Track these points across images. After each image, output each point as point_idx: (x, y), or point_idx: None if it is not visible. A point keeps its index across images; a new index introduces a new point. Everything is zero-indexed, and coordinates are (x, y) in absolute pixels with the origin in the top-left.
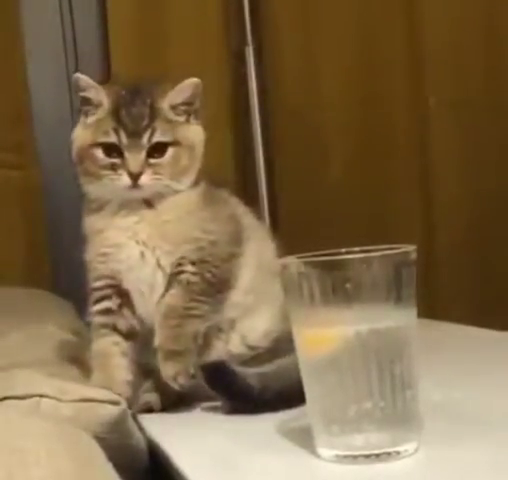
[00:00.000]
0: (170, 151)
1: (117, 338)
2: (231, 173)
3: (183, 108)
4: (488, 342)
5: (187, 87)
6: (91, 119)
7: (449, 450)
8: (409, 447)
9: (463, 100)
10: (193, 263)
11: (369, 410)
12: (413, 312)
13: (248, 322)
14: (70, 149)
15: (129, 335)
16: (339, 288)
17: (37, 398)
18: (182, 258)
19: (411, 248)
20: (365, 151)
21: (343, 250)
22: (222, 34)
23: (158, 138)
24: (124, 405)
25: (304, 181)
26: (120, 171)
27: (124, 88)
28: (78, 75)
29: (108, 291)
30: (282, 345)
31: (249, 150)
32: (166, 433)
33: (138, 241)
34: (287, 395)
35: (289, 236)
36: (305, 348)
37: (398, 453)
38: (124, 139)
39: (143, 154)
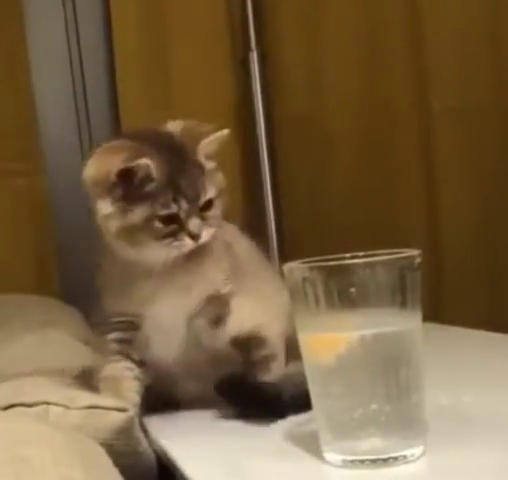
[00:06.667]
0: (216, 202)
1: (130, 364)
2: (235, 179)
3: (212, 154)
4: (495, 346)
5: (219, 137)
6: (138, 194)
7: (456, 454)
8: (415, 451)
9: (468, 106)
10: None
11: (375, 415)
12: (418, 316)
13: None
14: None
15: (142, 363)
16: (344, 293)
17: (45, 405)
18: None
19: (416, 252)
20: (369, 156)
21: (348, 255)
22: (226, 40)
23: (209, 195)
24: (131, 412)
25: (309, 186)
26: (181, 236)
27: (163, 152)
28: (140, 163)
29: (126, 325)
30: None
31: (253, 156)
32: (174, 440)
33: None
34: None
35: (294, 241)
36: (310, 353)
37: (405, 457)
38: (184, 207)
39: (199, 215)
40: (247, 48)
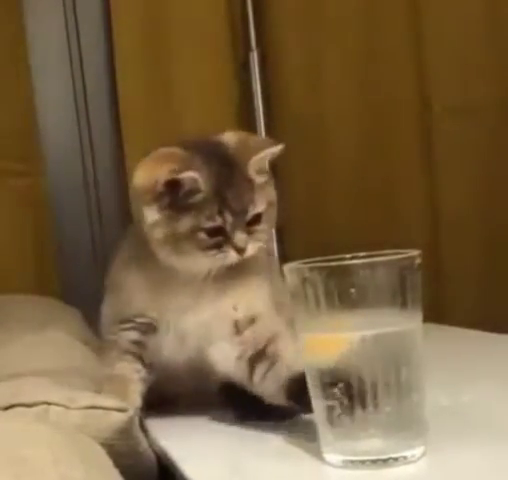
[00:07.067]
0: (264, 216)
1: (139, 366)
2: None
3: (264, 168)
4: (495, 346)
5: (272, 153)
6: (184, 204)
7: (456, 455)
8: (416, 452)
9: (468, 106)
10: None
11: (375, 415)
12: (418, 317)
13: None
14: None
15: (150, 365)
16: (344, 293)
17: (45, 406)
18: None
19: (416, 253)
20: (369, 157)
21: (348, 255)
22: (227, 40)
23: (257, 210)
24: (131, 412)
25: (308, 186)
26: (226, 248)
27: (214, 164)
28: (187, 176)
29: (146, 326)
30: None
31: None
32: (174, 440)
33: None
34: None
35: (294, 242)
36: (311, 353)
37: (405, 458)
38: (229, 220)
39: (246, 229)
40: (247, 48)
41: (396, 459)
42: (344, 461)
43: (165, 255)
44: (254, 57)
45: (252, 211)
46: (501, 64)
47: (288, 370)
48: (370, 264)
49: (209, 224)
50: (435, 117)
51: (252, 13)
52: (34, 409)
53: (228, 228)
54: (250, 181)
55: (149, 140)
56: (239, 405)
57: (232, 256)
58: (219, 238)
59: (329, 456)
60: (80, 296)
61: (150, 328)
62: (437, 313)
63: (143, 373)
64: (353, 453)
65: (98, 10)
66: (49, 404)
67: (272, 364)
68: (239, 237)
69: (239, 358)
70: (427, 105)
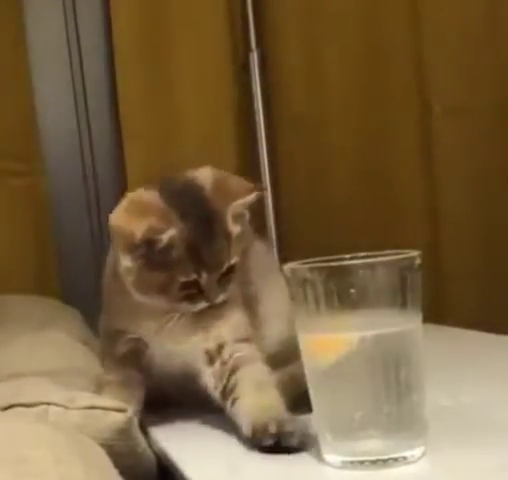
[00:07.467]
0: (237, 266)
1: (136, 372)
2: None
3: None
4: (495, 347)
5: (250, 201)
6: (159, 259)
7: (457, 455)
8: (416, 452)
9: (468, 106)
10: None
11: (375, 415)
12: (418, 317)
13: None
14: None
15: (148, 370)
16: (344, 294)
17: (45, 406)
18: None
19: (416, 253)
20: (369, 157)
21: (348, 256)
22: (227, 40)
23: (232, 262)
24: (131, 413)
25: (308, 186)
26: (197, 300)
27: (192, 217)
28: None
29: (133, 340)
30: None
31: (253, 156)
32: (174, 440)
33: None
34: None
35: (294, 241)
36: (310, 354)
37: (405, 458)
38: (204, 276)
39: (219, 280)
40: (247, 49)
41: (396, 459)
42: (344, 462)
43: (137, 295)
44: (254, 57)
45: (227, 264)
46: (501, 64)
47: (247, 416)
48: (370, 264)
49: (184, 279)
50: (435, 117)
51: (252, 13)
52: (34, 409)
53: (203, 283)
54: (228, 235)
55: (149, 140)
56: None
57: (203, 305)
58: (192, 290)
59: (329, 456)
60: (80, 296)
61: (141, 342)
62: (437, 313)
63: (141, 378)
64: (353, 454)
65: (98, 10)
66: (49, 404)
67: (232, 403)
68: (212, 290)
69: (214, 390)
70: (427, 105)
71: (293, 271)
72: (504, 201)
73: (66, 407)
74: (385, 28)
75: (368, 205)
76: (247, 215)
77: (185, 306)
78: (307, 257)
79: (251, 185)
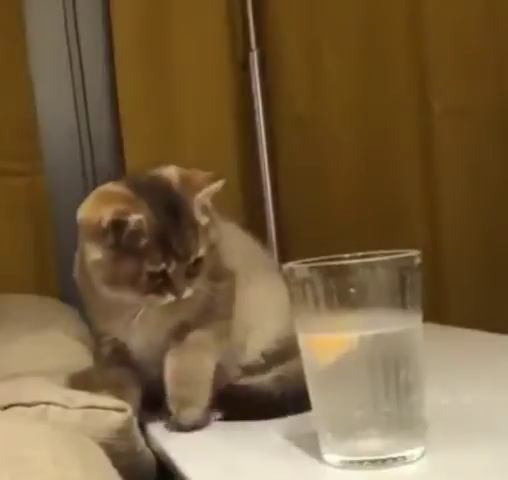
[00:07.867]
0: (205, 259)
1: (129, 370)
2: (235, 179)
3: (208, 205)
4: (495, 346)
5: (215, 189)
6: (128, 247)
7: (456, 455)
8: (415, 452)
9: (468, 106)
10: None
11: (375, 415)
12: (418, 317)
13: (258, 332)
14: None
15: (138, 368)
16: (344, 293)
17: (44, 405)
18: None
19: (416, 253)
20: (369, 156)
21: (347, 255)
22: (226, 40)
23: (200, 255)
24: (130, 412)
25: (308, 186)
26: (165, 292)
27: (160, 206)
28: (133, 218)
29: (114, 340)
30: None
31: (253, 156)
32: (173, 440)
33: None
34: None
35: (294, 241)
36: (310, 353)
37: (404, 458)
38: (173, 266)
39: (187, 273)
40: (247, 49)
41: (395, 459)
42: (343, 461)
43: (104, 291)
44: (254, 57)
45: (195, 256)
46: (501, 64)
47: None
48: (370, 264)
49: (152, 268)
50: (435, 117)
51: (252, 13)
52: (33, 409)
53: (171, 274)
54: (195, 225)
55: (149, 140)
56: (223, 405)
57: (170, 298)
58: (160, 281)
59: (328, 456)
60: (79, 295)
61: (118, 341)
62: (437, 313)
63: (136, 376)
64: (352, 453)
65: (98, 10)
66: (48, 404)
67: None
68: (180, 282)
69: None
70: (427, 104)
71: (292, 271)
72: (504, 201)
73: (65, 406)
74: (385, 28)
75: (368, 205)
76: (211, 205)
77: (152, 299)
78: (307, 257)
79: (213, 175)
